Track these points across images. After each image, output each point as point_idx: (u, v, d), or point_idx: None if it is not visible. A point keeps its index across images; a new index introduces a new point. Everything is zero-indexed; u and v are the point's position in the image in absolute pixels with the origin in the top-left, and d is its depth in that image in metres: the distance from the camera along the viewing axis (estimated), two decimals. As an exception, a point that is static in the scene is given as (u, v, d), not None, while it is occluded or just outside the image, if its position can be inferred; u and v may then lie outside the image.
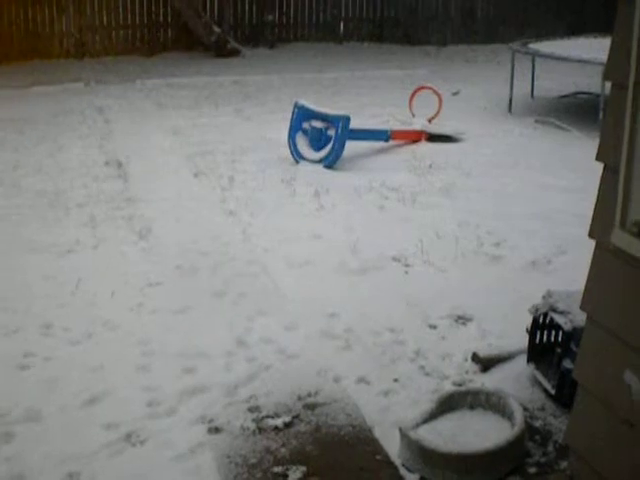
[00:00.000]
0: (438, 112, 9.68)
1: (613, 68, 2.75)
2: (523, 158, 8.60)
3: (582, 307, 3.01)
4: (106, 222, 6.72)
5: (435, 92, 9.80)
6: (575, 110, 10.95)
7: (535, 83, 11.85)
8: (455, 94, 11.87)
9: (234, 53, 15.63)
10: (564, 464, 3.43)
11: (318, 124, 8.31)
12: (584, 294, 2.95)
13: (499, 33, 16.99)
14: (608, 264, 2.78)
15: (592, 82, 10.37)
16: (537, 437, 3.75)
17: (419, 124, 9.47)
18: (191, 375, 4.33)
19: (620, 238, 2.65)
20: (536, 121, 10.34)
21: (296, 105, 8.54)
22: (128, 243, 6.28)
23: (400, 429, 3.64)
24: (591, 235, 2.87)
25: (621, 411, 2.73)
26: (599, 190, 2.85)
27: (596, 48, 9.36)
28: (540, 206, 6.96)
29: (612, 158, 2.70)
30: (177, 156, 8.91)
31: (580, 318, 3.84)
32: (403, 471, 3.56)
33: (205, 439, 3.80)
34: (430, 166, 8.28)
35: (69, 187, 7.68)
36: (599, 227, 2.81)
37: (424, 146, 9.14)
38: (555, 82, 12.52)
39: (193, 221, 6.75)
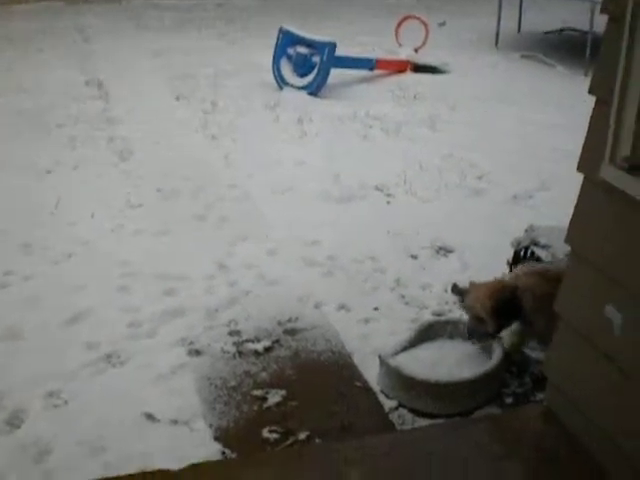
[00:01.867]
0: (424, 42, 9.58)
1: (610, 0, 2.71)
2: (508, 93, 8.56)
3: (567, 241, 3.02)
4: (86, 143, 6.66)
5: (422, 22, 9.68)
6: (561, 46, 10.86)
7: (523, 17, 11.73)
8: (441, 25, 11.74)
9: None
10: (540, 395, 3.48)
11: (303, 50, 8.21)
12: (569, 228, 2.95)
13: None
14: (595, 199, 2.77)
15: (580, 19, 10.26)
16: (514, 368, 3.80)
17: (405, 54, 9.37)
18: (172, 297, 4.34)
19: (609, 173, 2.65)
20: (522, 56, 10.26)
21: (281, 30, 8.41)
22: (108, 164, 6.23)
23: (380, 356, 3.67)
24: (579, 169, 2.86)
25: (601, 345, 2.76)
26: (590, 124, 2.83)
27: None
28: (524, 141, 6.94)
29: (605, 92, 2.68)
30: (159, 78, 8.80)
31: (561, 252, 3.88)
32: (381, 397, 3.60)
33: (185, 361, 3.81)
34: (415, 97, 8.22)
35: (49, 107, 7.58)
36: (588, 161, 2.80)
37: (409, 76, 9.07)
38: (543, 17, 12.39)
39: (175, 144, 6.69)
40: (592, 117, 2.82)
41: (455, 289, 3.99)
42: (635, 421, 2.64)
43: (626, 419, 2.68)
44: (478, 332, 3.72)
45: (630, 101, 2.57)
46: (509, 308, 3.64)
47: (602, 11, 2.72)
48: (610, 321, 2.70)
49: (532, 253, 4.17)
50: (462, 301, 3.86)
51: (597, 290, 2.78)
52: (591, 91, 2.79)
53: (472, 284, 3.80)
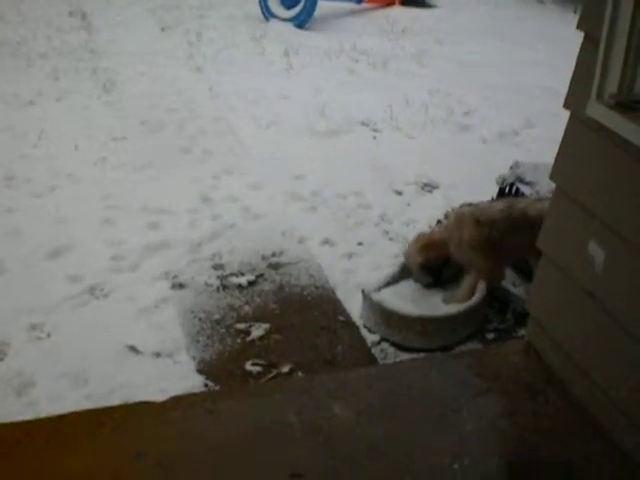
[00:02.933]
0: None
1: None
2: (497, 28, 8.47)
3: (552, 177, 3.00)
4: (70, 74, 6.56)
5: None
6: (552, -19, 10.73)
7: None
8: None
9: None
10: (522, 331, 3.50)
11: (290, -19, 8.08)
12: (554, 164, 2.93)
13: None
14: (581, 136, 2.75)
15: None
16: (496, 304, 3.82)
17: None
18: (155, 231, 4.32)
19: (596, 110, 2.62)
20: (512, -10, 10.13)
21: (268, -40, 8.26)
22: (92, 96, 6.15)
23: (363, 291, 3.68)
24: (566, 106, 2.83)
25: (583, 282, 2.77)
26: (577, 60, 2.79)
27: None
28: (512, 78, 6.89)
29: (593, 27, 2.64)
30: (143, 9, 8.65)
31: (546, 189, 3.87)
32: (364, 332, 3.62)
33: (169, 294, 3.82)
34: (403, 31, 8.13)
35: (32, 37, 7.45)
36: (575, 98, 2.77)
37: (397, 10, 8.96)
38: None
39: (159, 76, 6.60)
40: (580, 53, 2.78)
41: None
42: (613, 356, 2.66)
43: (604, 355, 2.71)
44: (421, 280, 3.85)
45: (618, 36, 2.54)
46: (440, 261, 3.80)
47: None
48: (592, 258, 2.71)
49: (517, 190, 4.17)
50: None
51: (580, 227, 2.78)
52: (579, 26, 2.75)
53: (416, 236, 3.90)
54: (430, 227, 4.23)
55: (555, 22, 8.50)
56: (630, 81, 2.57)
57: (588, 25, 2.70)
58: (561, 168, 2.91)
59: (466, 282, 3.75)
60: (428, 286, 3.84)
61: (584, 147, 2.76)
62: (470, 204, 3.97)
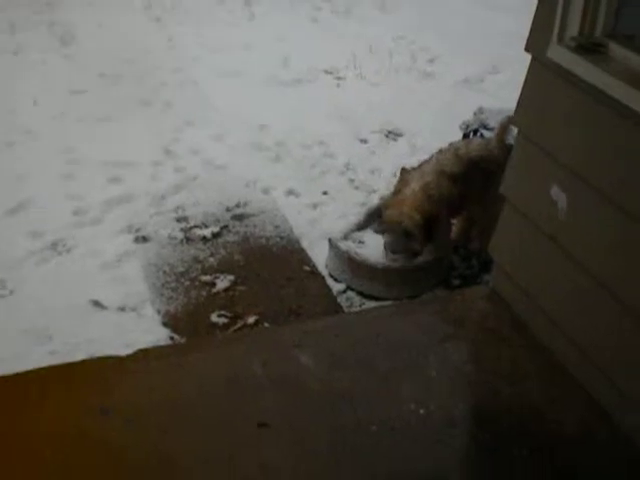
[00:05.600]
0: None
1: None
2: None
3: (513, 121, 2.99)
4: (26, 27, 6.39)
5: None
6: None
7: None
8: None
9: None
10: (487, 277, 3.51)
11: None
12: (516, 109, 2.91)
13: None
14: (543, 79, 2.73)
15: None
16: (462, 251, 3.82)
17: None
18: (117, 184, 4.27)
19: (557, 52, 2.60)
20: None
21: None
22: (50, 50, 6.01)
23: (329, 240, 3.66)
24: (527, 49, 2.81)
25: (546, 227, 2.77)
26: (538, 3, 2.76)
27: None
28: (476, 23, 6.80)
29: (555, -31, 2.61)
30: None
31: (511, 136, 3.85)
32: (330, 281, 3.62)
33: (132, 248, 3.79)
34: (366, -23, 8.00)
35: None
36: (536, 41, 2.75)
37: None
38: None
39: (117, 28, 6.46)
40: (541, -5, 2.76)
41: (404, 173, 3.90)
42: (576, 299, 2.67)
43: (567, 298, 2.72)
44: (405, 249, 3.56)
45: (579, -23, 2.52)
46: (434, 220, 3.53)
47: None
48: (555, 203, 2.71)
49: (481, 135, 4.15)
50: (379, 217, 3.66)
51: (543, 171, 2.77)
52: (540, -32, 2.73)
53: (389, 199, 3.65)
54: (395, 175, 4.19)
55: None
56: (591, 24, 2.55)
57: (549, -33, 2.67)
58: (523, 112, 2.90)
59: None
60: (411, 256, 3.56)
61: (545, 90, 2.75)
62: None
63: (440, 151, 3.77)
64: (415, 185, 3.56)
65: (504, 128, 3.70)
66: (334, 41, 6.31)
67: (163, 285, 3.54)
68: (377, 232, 3.71)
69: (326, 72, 5.73)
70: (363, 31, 6.53)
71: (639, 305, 2.39)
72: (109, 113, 5.00)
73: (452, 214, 3.73)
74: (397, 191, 3.65)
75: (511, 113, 3.05)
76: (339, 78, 5.67)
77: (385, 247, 3.58)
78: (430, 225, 3.50)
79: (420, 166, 3.70)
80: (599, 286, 2.53)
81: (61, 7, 6.86)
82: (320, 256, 3.75)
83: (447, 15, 7.02)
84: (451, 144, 3.78)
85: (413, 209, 3.48)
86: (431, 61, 6.01)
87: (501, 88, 5.38)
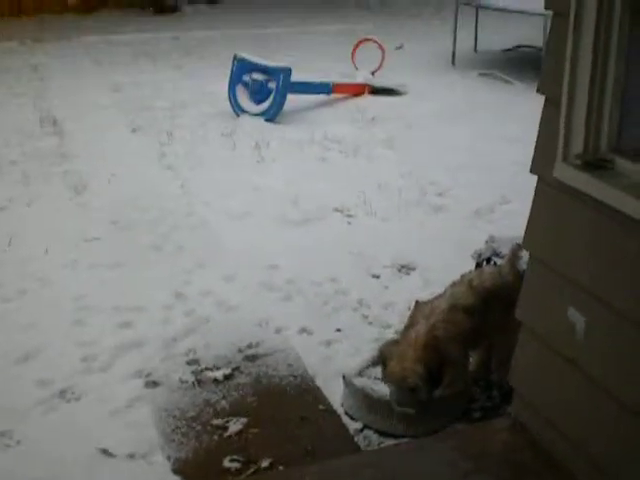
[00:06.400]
0: (381, 65, 9.55)
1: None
2: (466, 110, 8.52)
3: (524, 245, 2.95)
4: (40, 179, 6.50)
5: (378, 44, 9.66)
6: (518, 63, 10.87)
7: (479, 37, 11.73)
8: (398, 48, 11.71)
9: (173, 9, 15.28)
10: (509, 408, 3.38)
11: (259, 77, 8.12)
12: (526, 232, 2.88)
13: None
14: (550, 199, 2.70)
15: (535, 35, 10.28)
16: (482, 382, 3.71)
17: (362, 77, 9.33)
18: (128, 329, 4.21)
19: (563, 171, 2.58)
20: (479, 74, 10.26)
21: (236, 57, 8.33)
22: (63, 199, 6.09)
23: (344, 376, 3.57)
24: (533, 170, 2.79)
25: (565, 351, 2.68)
26: (540, 124, 2.77)
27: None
28: (484, 157, 6.88)
29: (553, 90, 2.62)
30: (115, 113, 8.66)
31: (522, 262, 3.80)
32: (346, 419, 3.50)
33: (142, 393, 3.69)
34: (373, 119, 8.16)
35: (2, 145, 7.42)
36: (541, 162, 2.73)
37: (367, 99, 9.00)
38: (498, 35, 12.40)
39: (130, 176, 6.56)
40: (542, 116, 2.76)
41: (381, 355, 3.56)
42: (602, 426, 2.55)
43: (593, 425, 2.60)
44: (411, 402, 3.35)
45: (579, 95, 2.52)
46: (439, 365, 3.36)
47: (547, 6, 2.67)
48: (573, 325, 2.62)
49: (494, 263, 4.10)
50: (384, 368, 3.43)
51: (558, 293, 2.70)
52: (539, 90, 2.74)
53: (390, 350, 3.44)
54: (409, 309, 4.11)
55: (523, 100, 8.53)
56: (595, 140, 2.53)
57: (548, 87, 2.69)
58: (533, 234, 2.86)
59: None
60: (418, 408, 3.34)
61: (554, 210, 2.71)
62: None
63: (453, 284, 3.69)
64: (420, 327, 3.43)
65: (515, 254, 3.65)
66: (343, 180, 6.36)
67: (173, 430, 3.43)
68: (382, 381, 3.49)
69: (336, 210, 5.75)
70: (371, 169, 6.61)
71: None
72: (121, 259, 5.00)
73: (470, 347, 3.63)
74: (407, 327, 3.56)
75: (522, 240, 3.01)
76: (349, 215, 5.68)
77: (390, 398, 3.39)
78: (439, 369, 3.35)
79: (432, 301, 3.62)
80: (624, 410, 2.41)
81: (75, 158, 7.00)
82: (335, 394, 3.64)
83: (453, 150, 7.11)
84: (463, 275, 3.73)
85: (416, 362, 3.30)
86: (440, 194, 6.03)
87: (512, 217, 5.35)
